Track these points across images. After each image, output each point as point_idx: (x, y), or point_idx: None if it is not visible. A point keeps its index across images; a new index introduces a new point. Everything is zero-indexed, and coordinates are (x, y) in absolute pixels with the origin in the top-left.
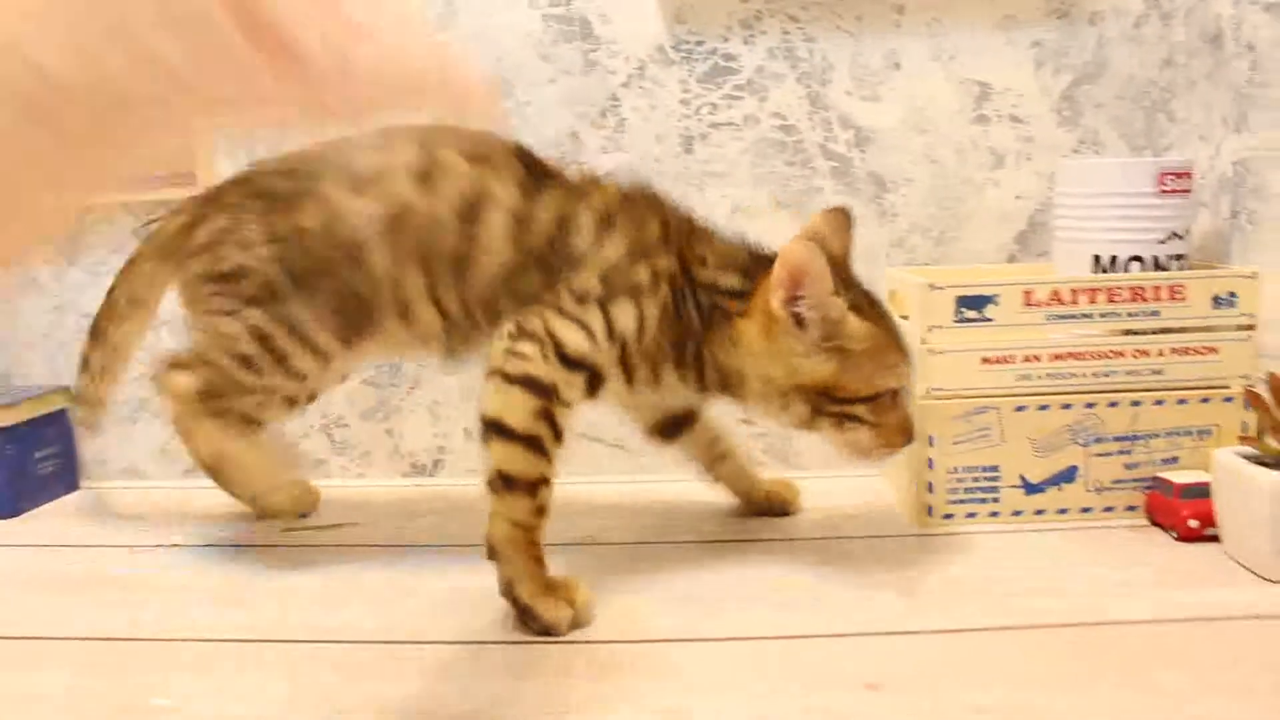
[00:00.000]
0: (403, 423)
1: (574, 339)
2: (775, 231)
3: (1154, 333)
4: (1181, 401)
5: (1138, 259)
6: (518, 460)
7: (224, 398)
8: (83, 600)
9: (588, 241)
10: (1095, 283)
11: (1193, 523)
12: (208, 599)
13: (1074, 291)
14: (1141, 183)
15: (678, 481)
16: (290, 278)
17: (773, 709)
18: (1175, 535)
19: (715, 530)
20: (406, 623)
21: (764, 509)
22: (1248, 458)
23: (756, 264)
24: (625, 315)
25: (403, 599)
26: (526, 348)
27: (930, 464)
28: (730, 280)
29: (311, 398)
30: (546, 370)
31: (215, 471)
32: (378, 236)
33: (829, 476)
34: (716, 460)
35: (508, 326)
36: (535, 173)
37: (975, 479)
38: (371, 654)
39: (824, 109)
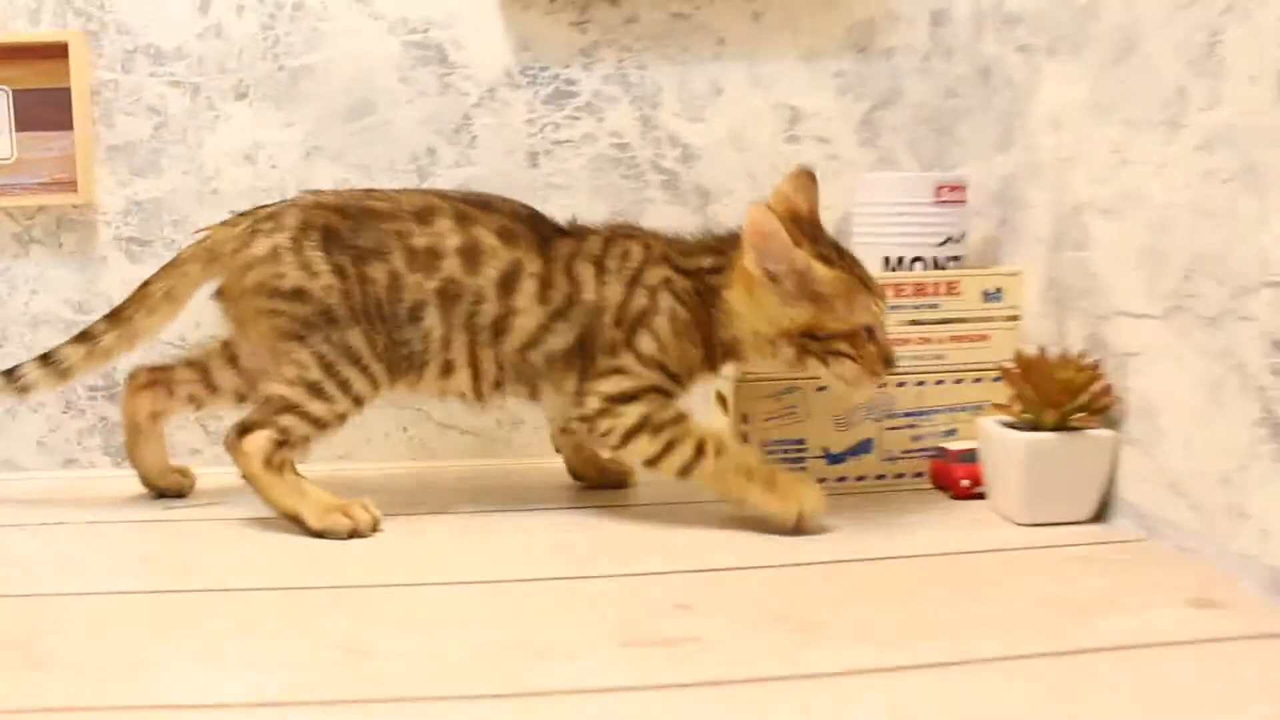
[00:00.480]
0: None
1: (619, 386)
2: None
3: (935, 323)
4: (958, 381)
5: (919, 259)
6: (676, 460)
7: (293, 442)
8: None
9: (591, 288)
10: (884, 280)
11: (965, 482)
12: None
13: None
14: (921, 194)
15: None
16: (350, 312)
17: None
18: (951, 494)
19: (546, 497)
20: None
21: (605, 480)
22: (1004, 424)
23: (724, 242)
24: (646, 342)
25: (266, 551)
26: (603, 424)
27: (746, 438)
28: (707, 261)
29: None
30: (629, 418)
31: (295, 520)
32: (433, 306)
33: None
34: (563, 433)
35: (582, 411)
36: (545, 234)
37: (786, 451)
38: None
39: (655, 129)
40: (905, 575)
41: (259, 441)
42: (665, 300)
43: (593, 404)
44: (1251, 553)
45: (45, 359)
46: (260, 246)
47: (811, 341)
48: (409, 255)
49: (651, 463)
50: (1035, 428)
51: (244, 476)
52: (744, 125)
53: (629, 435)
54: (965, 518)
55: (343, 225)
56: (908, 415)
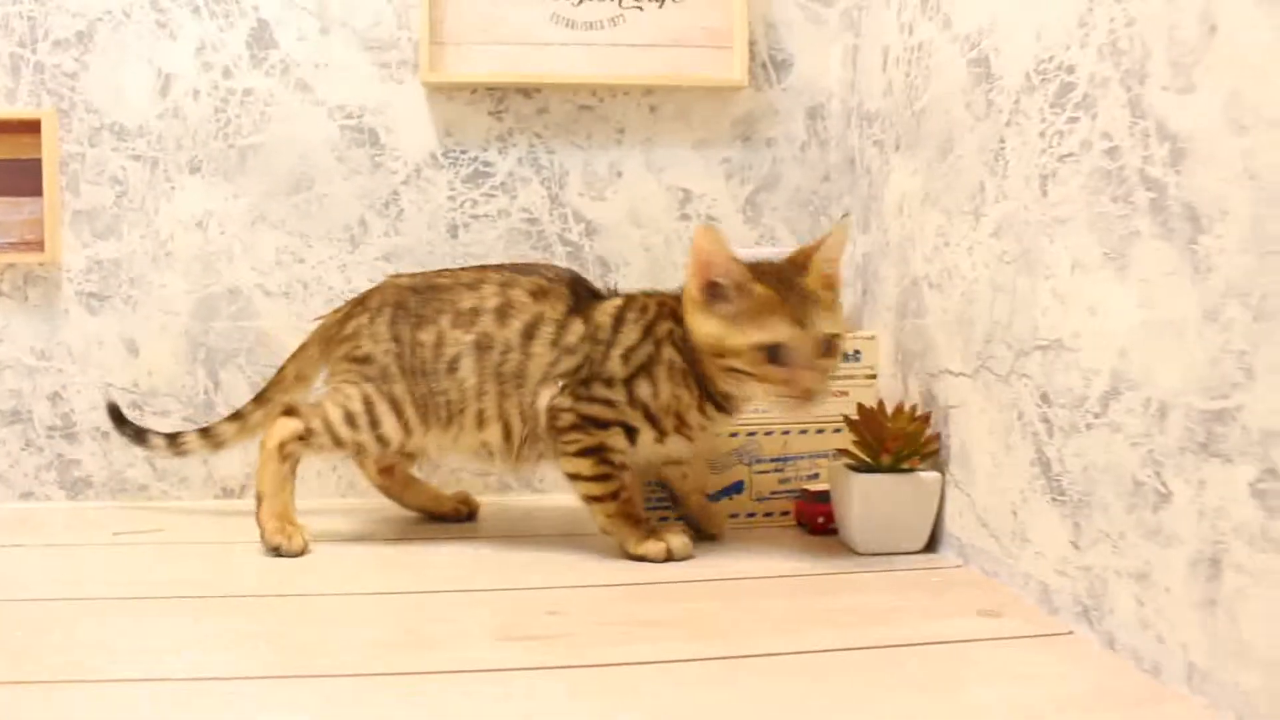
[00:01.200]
0: (216, 455)
1: (598, 412)
2: None
3: None
4: (820, 431)
5: None
6: (595, 488)
7: (312, 445)
8: None
9: (606, 332)
10: None
11: (820, 519)
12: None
13: None
14: None
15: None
16: (400, 370)
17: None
18: (809, 530)
19: (450, 529)
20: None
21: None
22: (848, 466)
23: None
24: (643, 387)
25: (201, 566)
26: (570, 435)
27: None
28: None
29: (408, 457)
30: (592, 440)
31: (257, 500)
32: (468, 357)
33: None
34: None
35: (557, 423)
36: (582, 295)
37: (665, 490)
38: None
39: (561, 206)
40: (748, 591)
41: (289, 425)
42: (667, 352)
43: (568, 419)
44: (1031, 572)
45: (205, 432)
46: (350, 327)
47: (719, 360)
48: (455, 316)
49: (575, 478)
50: (872, 470)
51: (262, 442)
52: (641, 204)
53: (582, 452)
54: (815, 548)
55: (411, 299)
56: (774, 461)
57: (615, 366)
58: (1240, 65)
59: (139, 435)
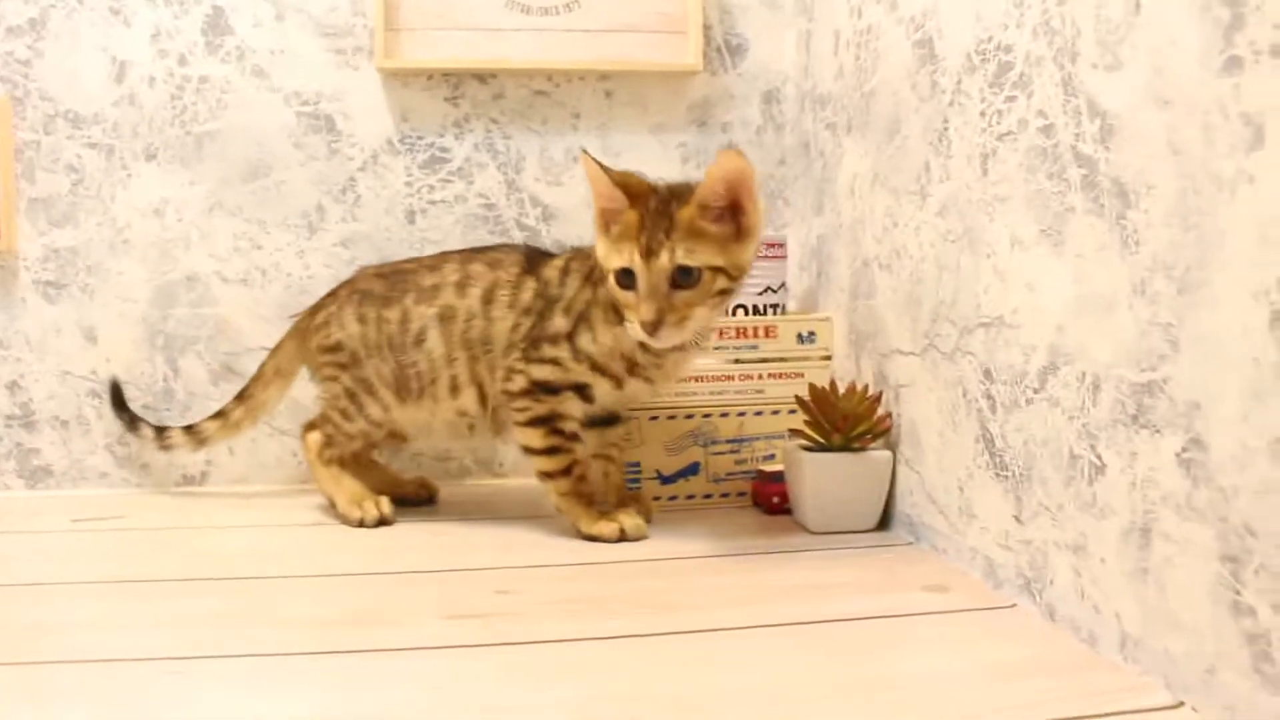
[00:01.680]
0: (199, 451)
1: (547, 374)
2: None
3: (756, 362)
4: (775, 413)
5: (741, 306)
6: (547, 463)
7: (336, 445)
8: None
9: (555, 287)
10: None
11: (775, 499)
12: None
13: None
14: None
15: None
16: (367, 349)
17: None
18: (765, 510)
19: (409, 512)
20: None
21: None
22: (801, 447)
23: None
24: (583, 338)
25: (163, 552)
26: (520, 402)
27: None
28: None
29: (395, 437)
30: (542, 408)
31: (330, 502)
32: (433, 329)
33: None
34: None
35: (508, 387)
36: (534, 258)
37: (623, 473)
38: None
39: (518, 191)
40: (700, 569)
41: (314, 438)
42: (601, 293)
43: (520, 382)
44: (977, 546)
45: (189, 429)
46: (320, 317)
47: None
48: (418, 294)
49: (529, 451)
50: (825, 449)
51: (308, 461)
52: None
53: (533, 421)
54: (769, 528)
55: (377, 285)
56: (730, 442)
57: (559, 321)
58: (1162, 42)
59: (132, 422)
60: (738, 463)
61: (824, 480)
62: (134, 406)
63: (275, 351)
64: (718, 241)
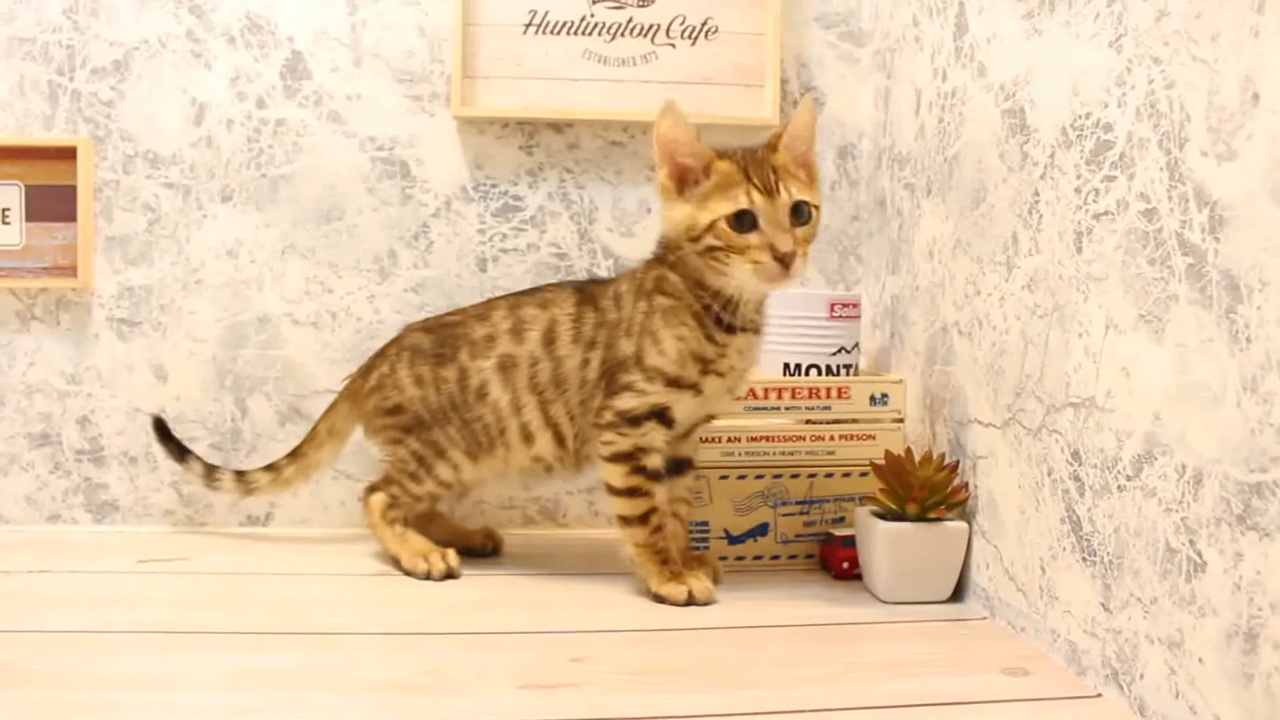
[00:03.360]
0: (245, 500)
1: (627, 403)
2: None
3: (827, 423)
4: (846, 475)
5: (814, 366)
6: (626, 506)
7: (401, 506)
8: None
9: (612, 312)
10: (783, 383)
11: (845, 564)
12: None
13: (766, 389)
14: (816, 309)
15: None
16: (430, 411)
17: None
18: (834, 575)
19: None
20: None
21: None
22: (874, 513)
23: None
24: (650, 353)
25: (224, 598)
26: (606, 435)
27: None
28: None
29: (461, 494)
30: (626, 442)
31: (394, 561)
32: (494, 380)
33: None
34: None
35: (597, 420)
36: (585, 290)
37: (690, 532)
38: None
39: (591, 241)
40: (772, 639)
41: (378, 500)
42: (657, 301)
43: (607, 416)
44: (1059, 629)
45: (240, 475)
46: (373, 379)
47: (697, 245)
48: (471, 348)
49: (610, 491)
50: (899, 518)
51: (368, 526)
52: None
53: (615, 457)
54: (839, 594)
55: (425, 342)
56: (800, 504)
57: (624, 345)
58: None
59: (180, 452)
60: (807, 524)
61: (897, 550)
62: (199, 446)
63: (329, 413)
64: (806, 183)
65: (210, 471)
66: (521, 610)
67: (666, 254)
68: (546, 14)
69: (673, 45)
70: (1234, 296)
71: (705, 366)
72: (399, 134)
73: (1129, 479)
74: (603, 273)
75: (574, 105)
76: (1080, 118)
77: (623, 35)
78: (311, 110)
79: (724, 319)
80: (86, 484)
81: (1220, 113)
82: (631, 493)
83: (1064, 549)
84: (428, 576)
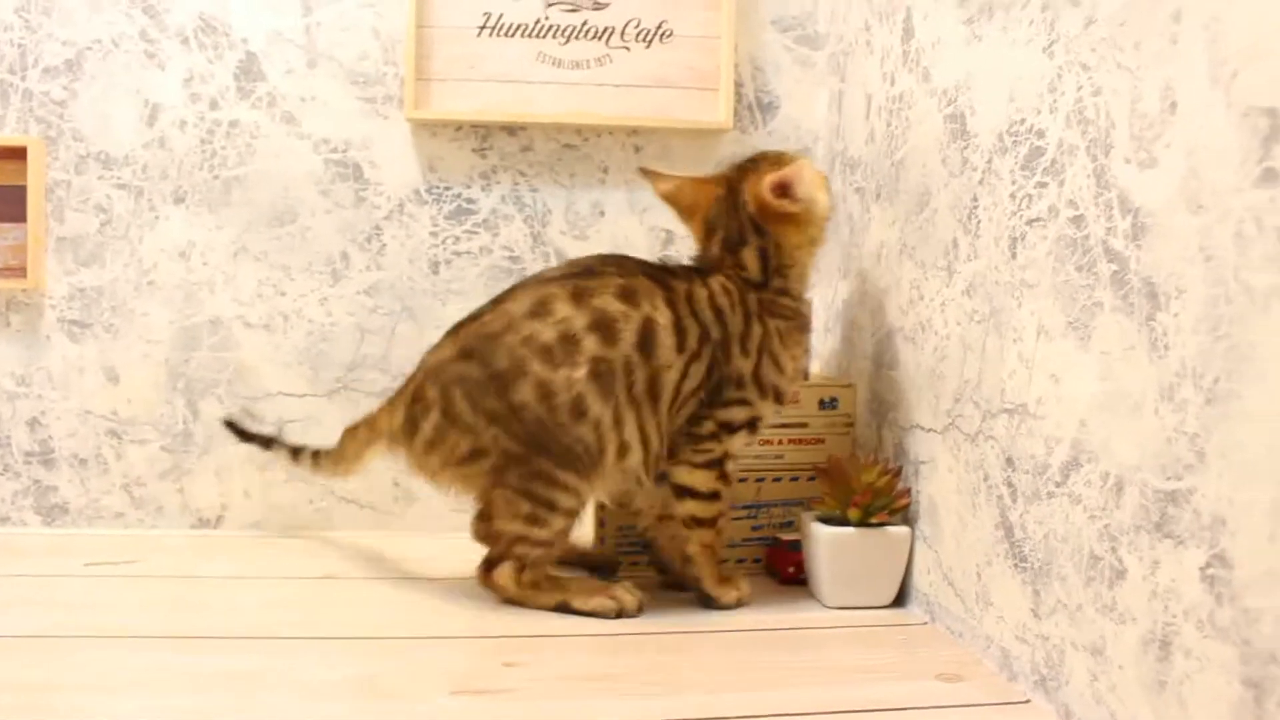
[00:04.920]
0: (193, 484)
1: (734, 415)
2: None
3: (776, 427)
4: (794, 479)
5: None
6: (704, 509)
7: (535, 565)
8: None
9: (716, 328)
10: None
11: (791, 569)
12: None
13: None
14: None
15: (412, 535)
16: (520, 443)
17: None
18: (780, 579)
19: (424, 568)
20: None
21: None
22: (817, 518)
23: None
24: (769, 371)
25: (166, 601)
26: (705, 444)
27: (603, 523)
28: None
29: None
30: (720, 449)
31: (562, 607)
32: (591, 393)
33: None
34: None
35: (695, 430)
36: (670, 287)
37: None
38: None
39: (544, 244)
40: (713, 644)
41: (505, 575)
42: (771, 324)
43: (709, 426)
44: (993, 635)
45: (296, 453)
46: (425, 434)
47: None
48: (544, 355)
49: (690, 494)
50: (842, 523)
51: (505, 601)
52: (624, 244)
53: (709, 463)
54: (784, 599)
55: (471, 369)
56: (747, 507)
57: (741, 362)
58: (1198, 144)
59: (266, 442)
60: (754, 528)
61: (840, 555)
62: (150, 449)
63: (355, 440)
64: None
65: (295, 453)
66: (458, 614)
67: (772, 274)
68: (501, 16)
69: (627, 48)
70: (1153, 304)
71: (800, 375)
72: (352, 136)
73: (1057, 486)
74: None
75: (528, 108)
76: (1016, 124)
77: (577, 38)
78: (265, 112)
79: (805, 313)
80: (36, 486)
81: (1142, 120)
82: (713, 496)
83: (998, 555)
84: (620, 615)
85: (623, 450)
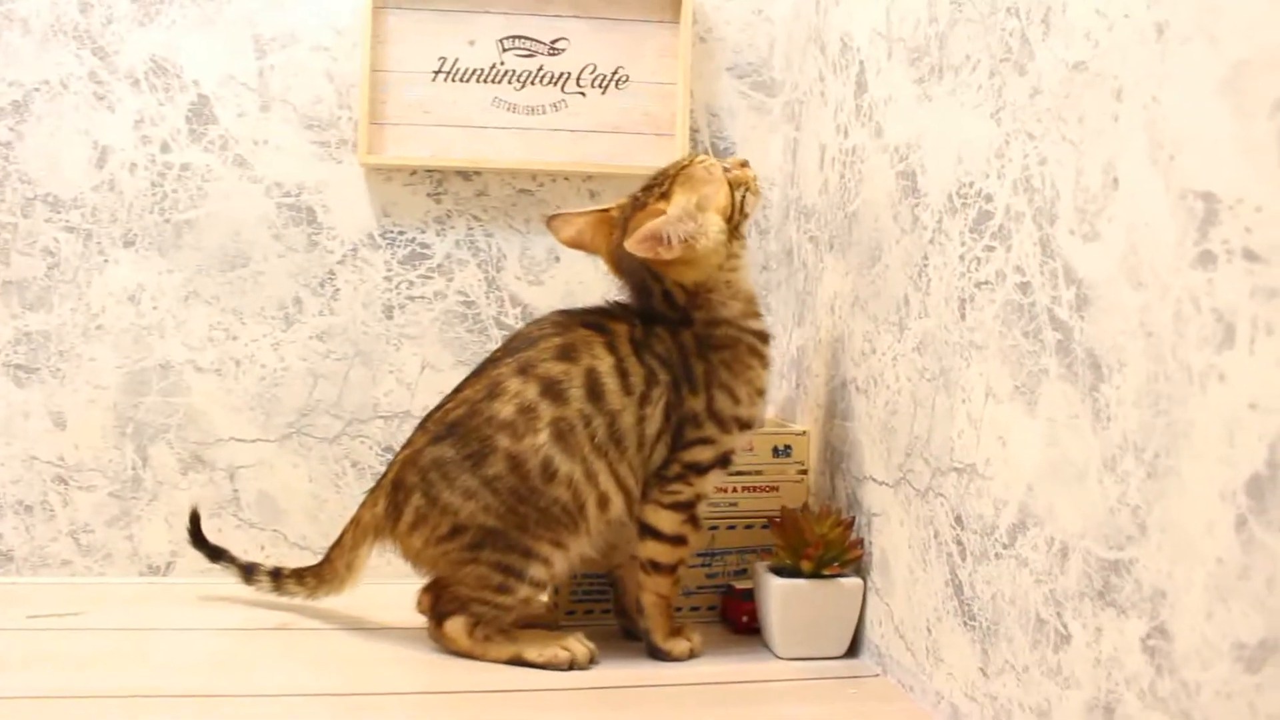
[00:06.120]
0: (142, 530)
1: (697, 455)
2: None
3: (730, 475)
4: (749, 526)
5: None
6: (666, 553)
7: (489, 623)
8: None
9: (663, 371)
10: None
11: (745, 618)
12: None
13: None
14: None
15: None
16: (497, 518)
17: None
18: (734, 628)
19: (375, 616)
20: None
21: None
22: (770, 568)
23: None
24: (723, 402)
25: (110, 655)
26: (673, 486)
27: (557, 589)
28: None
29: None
30: (690, 491)
31: (515, 660)
32: (557, 451)
33: None
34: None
35: (664, 472)
36: (608, 330)
37: (592, 582)
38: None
39: (498, 289)
40: (658, 700)
41: (456, 627)
42: (715, 356)
43: (675, 469)
44: (943, 691)
45: (276, 579)
46: (408, 516)
47: (737, 235)
48: (509, 431)
49: (654, 536)
50: (794, 574)
51: (455, 653)
52: (578, 288)
53: (677, 505)
54: (737, 649)
55: (446, 450)
56: (701, 555)
57: (692, 402)
58: (1139, 222)
59: (215, 556)
60: (709, 576)
61: (792, 607)
62: (98, 495)
63: (343, 549)
64: None
65: (247, 572)
66: (410, 668)
67: (689, 311)
68: (456, 61)
69: (583, 94)
70: (1096, 375)
71: (761, 394)
72: (306, 180)
73: (1005, 547)
74: (511, 320)
75: (483, 153)
76: (964, 185)
77: (533, 83)
78: (217, 155)
79: (759, 330)
80: None
81: (1085, 193)
82: (677, 540)
83: (948, 611)
84: (572, 666)
85: (603, 502)
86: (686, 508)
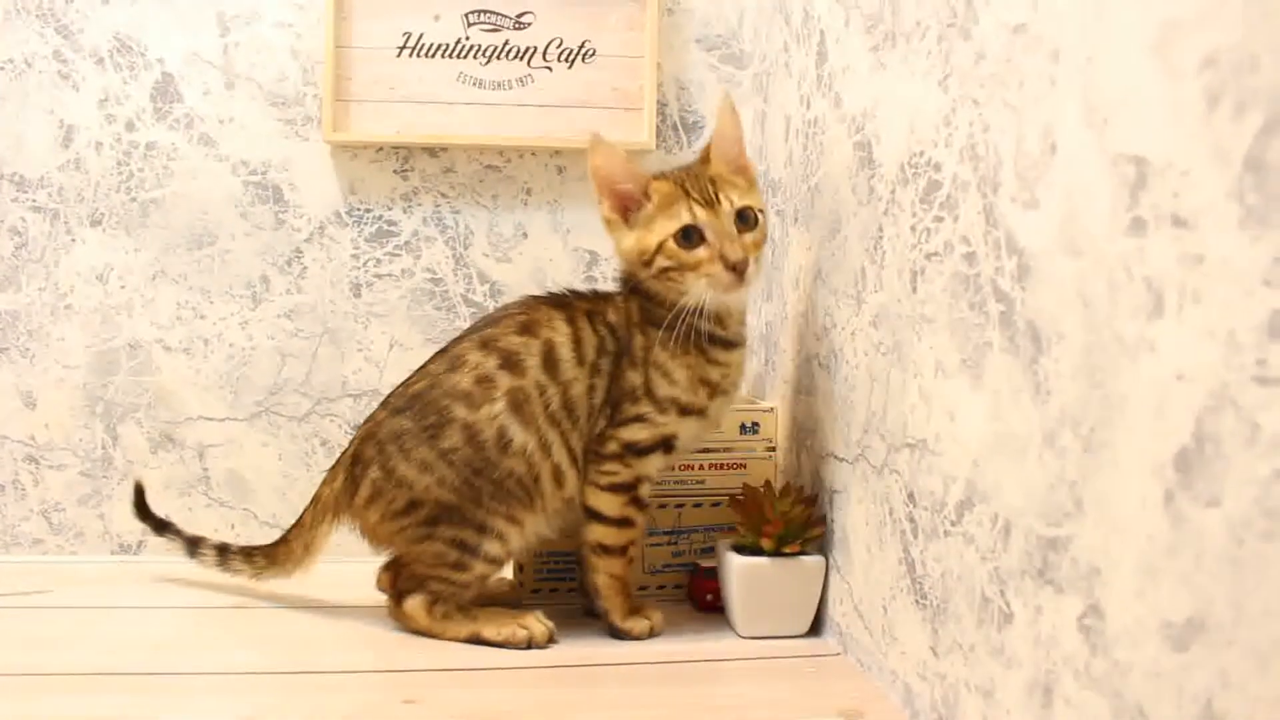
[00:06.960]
0: (113, 509)
1: (634, 434)
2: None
3: (697, 451)
4: (715, 504)
5: None
6: (612, 536)
7: (447, 600)
8: None
9: (610, 340)
10: None
11: (709, 596)
12: None
13: None
14: None
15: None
16: (453, 492)
17: None
18: (699, 606)
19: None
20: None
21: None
22: (732, 546)
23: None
24: (661, 385)
25: (69, 636)
26: (609, 465)
27: (521, 568)
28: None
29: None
30: (629, 473)
31: (474, 638)
32: (513, 422)
33: None
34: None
35: (599, 450)
36: (571, 306)
37: (557, 561)
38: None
39: (466, 266)
40: (617, 678)
41: (415, 605)
42: (654, 332)
43: (611, 446)
44: (897, 670)
45: (223, 554)
46: (365, 490)
47: (650, 269)
48: (466, 400)
49: (597, 519)
50: (756, 552)
51: (415, 632)
52: (547, 265)
53: (614, 487)
54: (699, 628)
55: (405, 422)
56: (668, 534)
57: (632, 376)
58: (1075, 188)
59: (160, 527)
60: (675, 555)
61: (753, 585)
62: (69, 474)
63: (301, 530)
64: (746, 188)
65: (222, 554)
66: (365, 646)
67: (636, 285)
68: (421, 36)
69: (549, 68)
70: (1036, 348)
71: (712, 389)
72: (272, 158)
73: (953, 524)
74: (479, 298)
75: (449, 129)
76: (915, 155)
77: (499, 58)
78: (183, 133)
79: (718, 335)
80: None
81: (1026, 159)
82: (622, 522)
83: (901, 589)
84: (530, 645)
85: (558, 476)
86: (626, 489)
